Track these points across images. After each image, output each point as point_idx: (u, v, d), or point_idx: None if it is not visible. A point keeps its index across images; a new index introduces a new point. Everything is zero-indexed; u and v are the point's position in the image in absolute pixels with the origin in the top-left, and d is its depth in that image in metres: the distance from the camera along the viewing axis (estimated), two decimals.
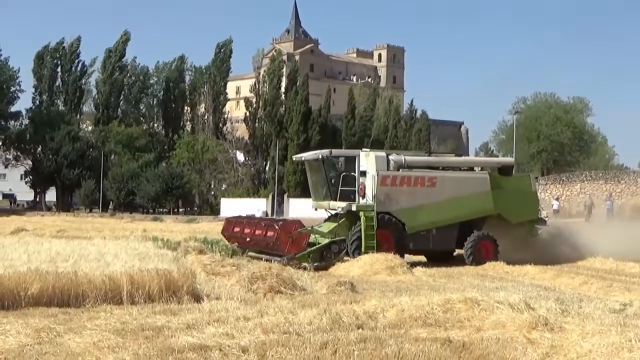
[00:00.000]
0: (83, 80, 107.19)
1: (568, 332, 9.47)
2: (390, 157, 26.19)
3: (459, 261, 25.68)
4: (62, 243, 20.70)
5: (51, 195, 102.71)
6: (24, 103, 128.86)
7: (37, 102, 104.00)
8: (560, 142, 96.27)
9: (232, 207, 77.96)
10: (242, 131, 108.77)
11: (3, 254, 16.05)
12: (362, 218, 24.59)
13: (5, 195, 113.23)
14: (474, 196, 26.30)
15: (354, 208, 25.22)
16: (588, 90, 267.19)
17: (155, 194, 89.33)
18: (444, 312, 10.99)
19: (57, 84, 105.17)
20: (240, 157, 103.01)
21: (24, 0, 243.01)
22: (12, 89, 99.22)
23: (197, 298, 13.27)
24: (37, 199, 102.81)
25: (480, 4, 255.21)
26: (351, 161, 26.24)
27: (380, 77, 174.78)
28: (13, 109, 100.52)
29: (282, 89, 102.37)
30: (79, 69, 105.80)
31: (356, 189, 25.53)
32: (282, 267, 16.09)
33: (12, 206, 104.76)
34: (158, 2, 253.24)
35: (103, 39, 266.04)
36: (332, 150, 27.83)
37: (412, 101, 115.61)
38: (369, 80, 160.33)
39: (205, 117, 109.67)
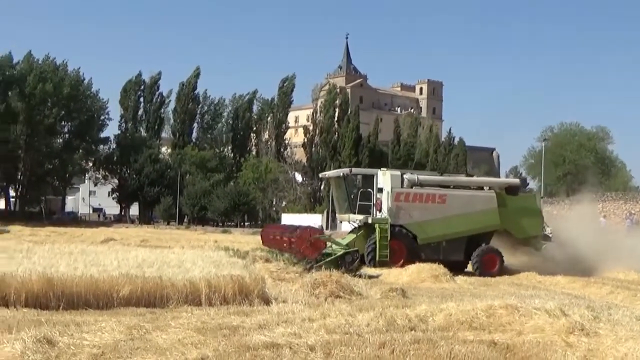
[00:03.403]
0: (162, 110, 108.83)
1: (603, 337, 9.17)
2: (404, 176, 26.01)
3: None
4: (147, 251, 20.69)
5: (134, 209, 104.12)
6: (111, 130, 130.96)
7: (123, 129, 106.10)
8: (583, 166, 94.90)
9: (291, 221, 77.79)
10: (300, 155, 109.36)
11: (97, 260, 16.09)
12: (377, 230, 24.41)
13: (95, 209, 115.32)
14: (482, 212, 25.90)
15: (370, 220, 25.09)
16: (608, 118, 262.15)
17: (224, 209, 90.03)
18: (487, 316, 10.72)
19: (139, 113, 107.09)
20: (299, 177, 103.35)
21: (110, 40, 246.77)
22: (102, 117, 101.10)
23: (266, 301, 13.14)
24: (122, 213, 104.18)
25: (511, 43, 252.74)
26: (369, 179, 26.05)
27: (421, 108, 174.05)
28: (102, 135, 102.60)
29: (335, 118, 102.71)
30: (158, 100, 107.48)
31: (373, 203, 25.39)
32: (340, 274, 15.90)
33: (99, 218, 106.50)
34: (226, 37, 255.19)
35: (179, 71, 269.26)
36: (352, 168, 27.73)
37: (450, 129, 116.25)
38: (412, 110, 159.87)
39: (269, 143, 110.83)
